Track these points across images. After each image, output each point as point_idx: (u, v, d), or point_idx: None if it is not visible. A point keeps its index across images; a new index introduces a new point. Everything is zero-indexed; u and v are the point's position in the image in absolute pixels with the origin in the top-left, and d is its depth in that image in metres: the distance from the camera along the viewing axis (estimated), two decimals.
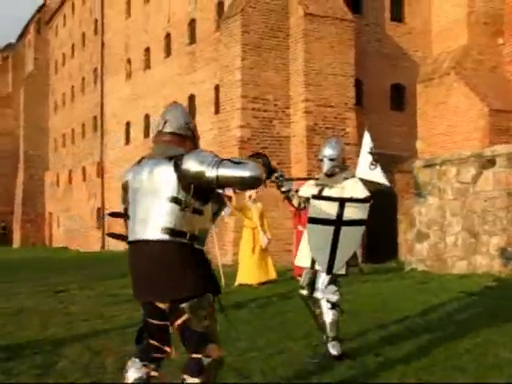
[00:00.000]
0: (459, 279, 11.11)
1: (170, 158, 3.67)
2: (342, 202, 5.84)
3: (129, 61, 30.13)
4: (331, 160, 6.19)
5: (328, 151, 6.27)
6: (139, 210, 3.73)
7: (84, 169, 36.17)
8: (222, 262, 14.14)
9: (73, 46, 39.48)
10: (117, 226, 30.17)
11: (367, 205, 5.92)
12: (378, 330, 6.87)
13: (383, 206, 18.35)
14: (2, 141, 47.61)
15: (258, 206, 12.51)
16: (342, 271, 6.02)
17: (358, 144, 15.35)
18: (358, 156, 14.37)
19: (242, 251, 12.93)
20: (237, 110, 17.91)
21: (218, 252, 13.97)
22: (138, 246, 3.71)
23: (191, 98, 23.77)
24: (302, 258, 6.21)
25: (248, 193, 12.16)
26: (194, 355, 3.63)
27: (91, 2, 35.66)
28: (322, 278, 5.98)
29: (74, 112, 38.42)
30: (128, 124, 29.88)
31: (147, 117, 27.66)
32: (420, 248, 12.86)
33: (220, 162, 3.52)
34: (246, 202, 12.48)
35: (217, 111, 20.76)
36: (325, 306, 5.96)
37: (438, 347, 6.04)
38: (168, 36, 26.03)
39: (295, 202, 6.16)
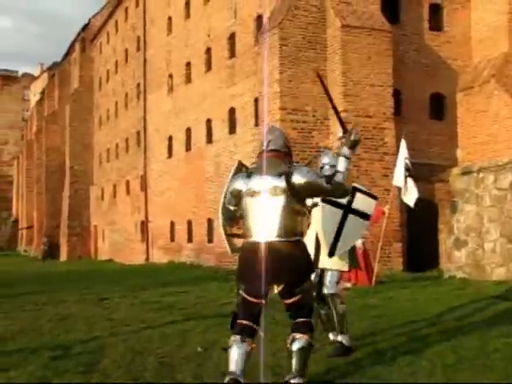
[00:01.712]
0: (496, 285, 11.11)
1: (280, 175, 4.86)
2: (353, 190, 6.29)
3: (170, 76, 30.67)
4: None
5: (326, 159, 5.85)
6: (260, 216, 4.90)
7: (128, 183, 36.81)
8: None
9: (116, 62, 40.32)
10: (160, 237, 30.68)
11: (374, 201, 6.54)
12: (409, 331, 7.01)
13: (424, 216, 18.45)
14: (49, 157, 48.86)
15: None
16: (345, 268, 6.62)
17: (397, 154, 15.47)
18: (395, 165, 14.50)
19: None
20: (276, 122, 18.14)
21: None
22: (261, 244, 4.84)
23: (231, 110, 24.11)
24: None
25: None
26: (306, 319, 4.91)
27: (134, 19, 36.43)
28: (329, 276, 6.42)
29: (117, 127, 39.18)
30: (170, 138, 30.37)
31: (189, 130, 28.09)
32: (458, 255, 12.86)
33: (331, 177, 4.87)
34: None
35: (257, 123, 21.03)
36: (335, 301, 6.38)
37: (467, 347, 6.16)
38: (208, 50, 26.46)
39: None
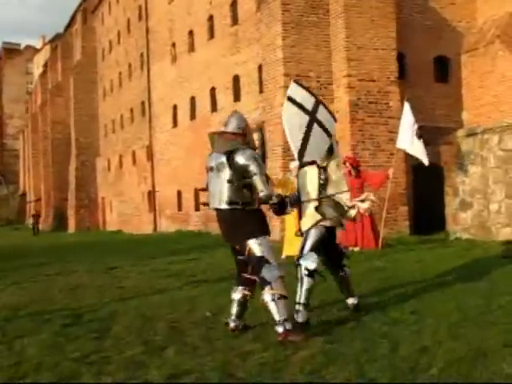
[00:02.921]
0: (502, 246, 11.17)
1: (225, 153, 5.74)
2: (317, 103, 6.30)
3: (173, 45, 30.54)
4: None
5: None
6: (212, 188, 5.93)
7: (134, 153, 36.87)
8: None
9: (118, 32, 40.10)
10: (168, 206, 30.81)
11: (334, 122, 6.41)
12: (415, 292, 7.10)
13: (430, 179, 18.46)
14: (55, 129, 48.86)
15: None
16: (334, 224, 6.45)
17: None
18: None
19: (287, 224, 13.21)
20: (280, 88, 18.10)
21: None
22: (217, 211, 5.91)
23: (236, 78, 24.04)
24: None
25: (292, 165, 12.40)
26: (253, 276, 5.77)
27: None
28: (307, 245, 6.27)
29: (122, 98, 39.12)
30: (175, 107, 30.35)
31: (193, 99, 28.06)
32: (464, 217, 12.92)
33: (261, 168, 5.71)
34: (288, 175, 12.72)
35: (261, 90, 20.97)
36: (302, 273, 6.14)
37: (472, 305, 6.26)
38: (211, 18, 26.30)
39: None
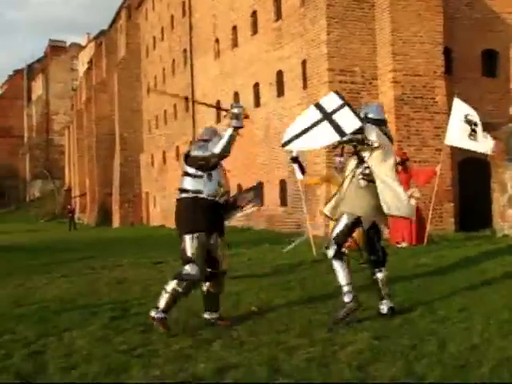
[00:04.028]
0: None
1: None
2: (343, 104, 6.34)
3: (217, 40, 30.63)
4: None
5: None
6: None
7: (178, 148, 37.09)
8: (314, 233, 14.43)
9: (162, 29, 40.38)
10: None
11: (359, 123, 6.19)
12: (462, 289, 6.99)
13: (476, 175, 18.16)
14: (99, 125, 49.52)
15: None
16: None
17: (448, 113, 15.19)
18: (447, 124, 14.23)
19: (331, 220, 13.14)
20: (324, 84, 18.01)
21: (309, 224, 14.29)
22: None
23: (279, 73, 24.00)
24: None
25: (337, 159, 12.34)
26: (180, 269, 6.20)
27: None
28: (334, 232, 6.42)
29: None
30: (218, 103, 30.43)
31: (236, 95, 28.11)
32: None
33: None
34: (332, 171, 12.66)
35: (305, 86, 20.89)
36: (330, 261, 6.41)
37: None
38: (254, 13, 26.29)
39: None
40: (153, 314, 6.11)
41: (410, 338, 5.34)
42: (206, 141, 6.52)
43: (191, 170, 6.37)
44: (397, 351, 4.96)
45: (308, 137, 6.24)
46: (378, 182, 6.21)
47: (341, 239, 6.34)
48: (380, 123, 6.49)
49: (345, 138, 6.21)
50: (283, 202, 23.36)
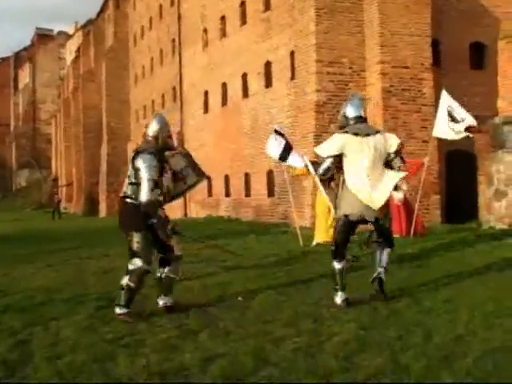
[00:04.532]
0: None
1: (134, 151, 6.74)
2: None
3: (205, 30, 30.49)
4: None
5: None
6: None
7: None
8: (301, 224, 14.47)
9: (150, 18, 40.15)
10: (198, 192, 30.89)
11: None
12: (448, 281, 7.04)
13: (463, 167, 18.26)
14: (86, 114, 49.21)
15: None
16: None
17: (436, 105, 15.24)
18: (435, 117, 14.29)
19: (317, 211, 13.19)
20: (312, 75, 18.00)
21: (295, 215, 14.32)
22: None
23: (267, 64, 23.94)
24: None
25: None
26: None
27: None
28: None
29: (153, 83, 39.22)
30: (206, 93, 30.36)
31: (224, 85, 28.02)
32: (498, 206, 12.77)
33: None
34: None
35: (293, 77, 20.87)
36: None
37: (507, 295, 6.18)
38: (243, 4, 26.18)
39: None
40: (117, 310, 6.38)
41: (395, 329, 5.37)
42: (155, 138, 6.74)
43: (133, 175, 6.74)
44: (383, 342, 4.99)
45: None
46: (350, 185, 6.62)
47: (339, 238, 6.70)
48: (357, 120, 6.82)
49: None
50: (270, 193, 23.37)
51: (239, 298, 7.03)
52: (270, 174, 23.39)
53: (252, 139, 24.60)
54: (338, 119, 7.09)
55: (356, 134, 6.62)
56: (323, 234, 12.71)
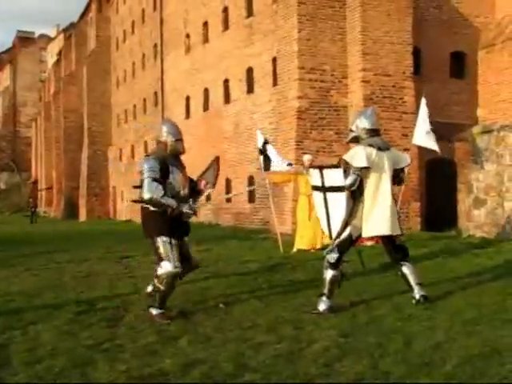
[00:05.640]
0: None
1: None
2: (320, 169, 7.84)
3: (187, 35, 30.49)
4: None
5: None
6: None
7: (146, 143, 36.87)
8: (281, 230, 14.47)
9: (133, 22, 40.07)
10: None
11: (341, 170, 6.97)
12: (428, 289, 7.04)
13: (443, 175, 18.37)
14: (67, 118, 48.93)
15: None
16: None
17: (416, 113, 15.35)
18: (415, 125, 14.40)
19: (298, 217, 13.21)
20: (294, 81, 18.05)
21: (276, 221, 14.33)
22: None
23: (249, 70, 23.99)
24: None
25: (305, 158, 12.53)
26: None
27: None
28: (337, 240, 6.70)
29: (135, 88, 39.12)
30: (188, 98, 30.33)
31: (206, 90, 28.03)
32: (477, 214, 12.87)
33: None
34: (300, 169, 12.70)
35: (275, 83, 20.91)
36: (325, 264, 6.64)
37: (487, 303, 6.23)
38: (226, 9, 26.23)
39: None
40: (153, 312, 6.44)
41: (376, 335, 5.39)
42: (164, 143, 6.98)
43: None
44: (363, 349, 5.01)
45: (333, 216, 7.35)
46: (366, 204, 6.51)
47: (344, 248, 6.62)
48: (373, 133, 6.72)
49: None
50: (251, 199, 23.37)
51: (221, 305, 7.01)
52: (251, 179, 23.40)
53: (233, 144, 24.62)
54: (350, 131, 6.90)
55: (373, 147, 6.55)
56: (303, 241, 12.75)
